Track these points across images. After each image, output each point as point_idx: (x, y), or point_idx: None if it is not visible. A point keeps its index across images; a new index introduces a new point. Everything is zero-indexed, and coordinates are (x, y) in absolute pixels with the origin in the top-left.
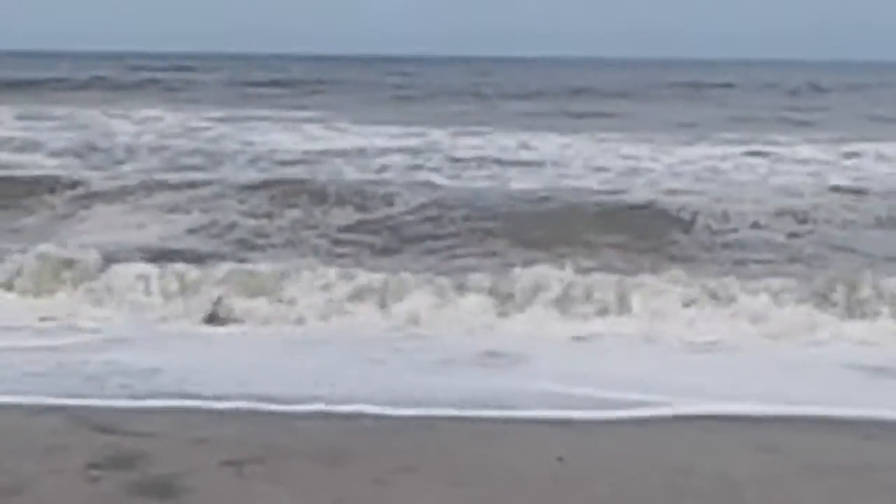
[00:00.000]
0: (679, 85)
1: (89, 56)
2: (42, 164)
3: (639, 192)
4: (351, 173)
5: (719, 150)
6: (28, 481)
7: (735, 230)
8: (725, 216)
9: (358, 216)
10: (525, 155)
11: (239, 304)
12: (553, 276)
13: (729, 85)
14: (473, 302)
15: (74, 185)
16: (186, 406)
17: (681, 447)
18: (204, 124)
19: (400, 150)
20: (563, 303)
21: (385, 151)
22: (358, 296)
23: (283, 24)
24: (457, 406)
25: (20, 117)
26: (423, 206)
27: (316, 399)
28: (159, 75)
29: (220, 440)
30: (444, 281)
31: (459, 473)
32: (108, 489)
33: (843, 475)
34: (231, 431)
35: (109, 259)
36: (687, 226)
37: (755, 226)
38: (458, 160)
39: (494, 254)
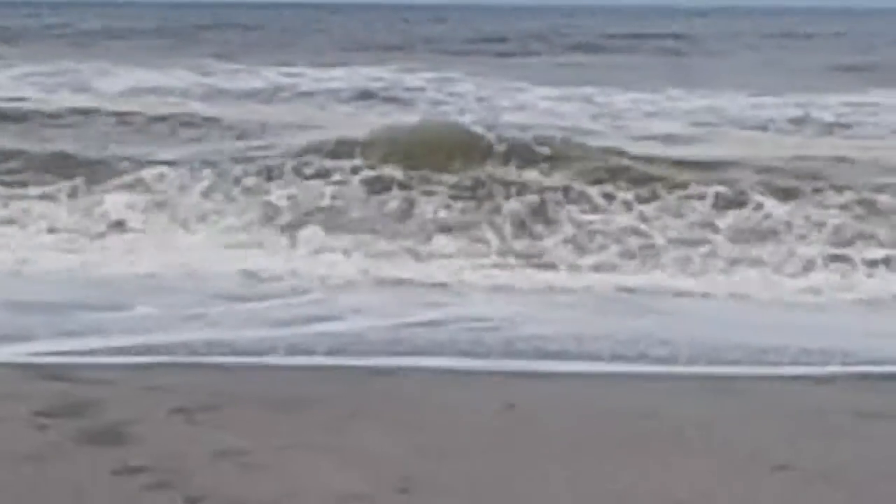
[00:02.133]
0: None
1: None
2: None
3: None
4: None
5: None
6: None
7: None
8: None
9: None
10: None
11: None
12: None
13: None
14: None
15: None
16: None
17: (634, 392)
18: None
19: None
20: None
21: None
22: None
23: None
24: (409, 354)
25: None
26: None
27: (269, 350)
28: None
29: (171, 388)
30: None
31: (411, 420)
32: (56, 437)
33: (794, 417)
34: (183, 380)
35: None
36: None
37: None
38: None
39: None
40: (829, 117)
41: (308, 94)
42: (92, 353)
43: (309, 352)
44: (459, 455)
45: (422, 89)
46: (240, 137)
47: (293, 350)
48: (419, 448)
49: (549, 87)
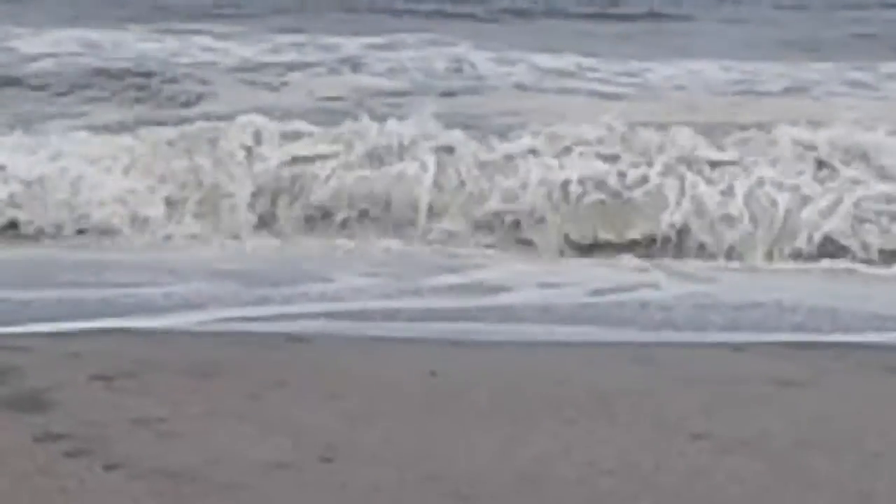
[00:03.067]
0: None
1: None
2: None
3: None
4: None
5: None
6: None
7: None
8: None
9: None
10: None
11: None
12: None
13: None
14: None
15: None
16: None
17: (557, 361)
18: None
19: None
20: None
21: None
22: None
23: None
24: (330, 320)
25: None
26: None
27: (191, 316)
28: None
29: (91, 355)
30: None
31: (332, 387)
32: None
33: (713, 385)
34: (103, 346)
35: None
36: None
37: None
38: None
39: None
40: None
41: None
42: (11, 320)
43: (229, 319)
44: (383, 422)
45: None
46: None
47: (215, 316)
48: (342, 415)
49: None
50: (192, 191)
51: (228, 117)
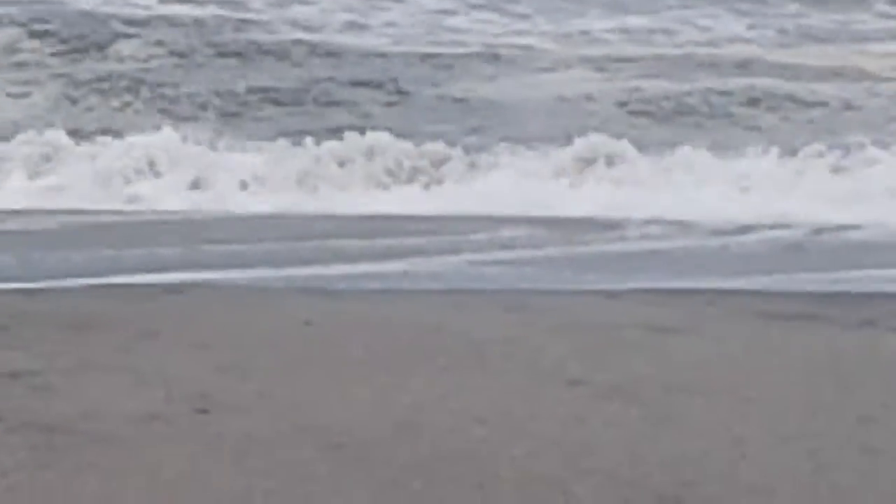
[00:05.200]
0: None
1: None
2: None
3: None
4: None
5: None
6: None
7: None
8: None
9: None
10: None
11: None
12: None
13: None
14: None
15: None
16: None
17: (430, 309)
18: None
19: None
20: None
21: None
22: None
23: None
24: (203, 270)
25: None
26: None
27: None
28: None
29: None
30: None
31: (205, 338)
32: None
33: (587, 332)
34: None
35: None
36: None
37: None
38: None
39: None
40: None
41: None
42: None
43: (99, 273)
44: (257, 373)
45: None
46: None
47: (83, 271)
48: (216, 366)
49: None
50: None
51: None
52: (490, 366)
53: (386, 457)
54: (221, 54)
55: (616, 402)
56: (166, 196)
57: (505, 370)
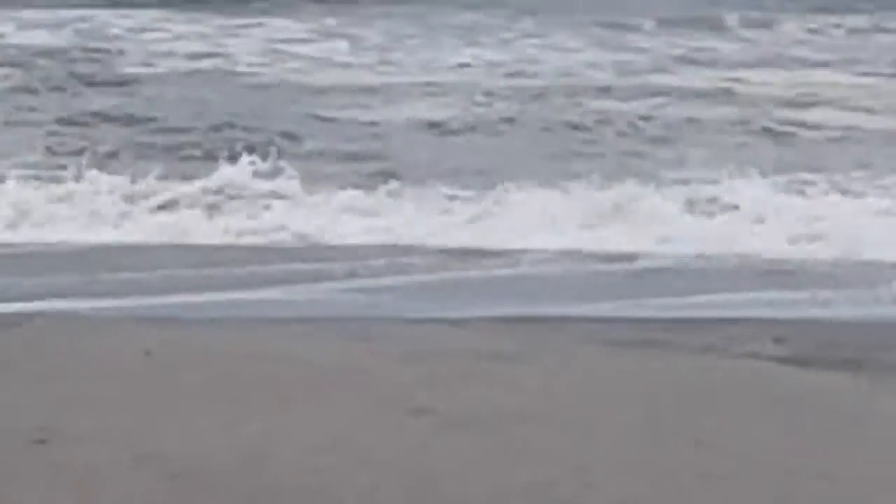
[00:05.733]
0: None
1: None
2: None
3: None
4: None
5: None
6: None
7: None
8: None
9: None
10: None
11: None
12: None
13: None
14: None
15: None
16: None
17: (276, 338)
18: None
19: None
20: None
21: None
22: None
23: None
24: (39, 300)
25: None
26: None
27: None
28: None
29: None
30: None
31: (44, 369)
32: None
33: (433, 360)
34: None
35: None
36: None
37: None
38: None
39: None
40: None
41: None
42: None
43: None
44: (97, 404)
45: None
46: None
47: None
48: (56, 397)
49: None
50: None
51: None
52: (335, 395)
53: (229, 487)
54: None
55: (461, 430)
56: None
57: (350, 399)
